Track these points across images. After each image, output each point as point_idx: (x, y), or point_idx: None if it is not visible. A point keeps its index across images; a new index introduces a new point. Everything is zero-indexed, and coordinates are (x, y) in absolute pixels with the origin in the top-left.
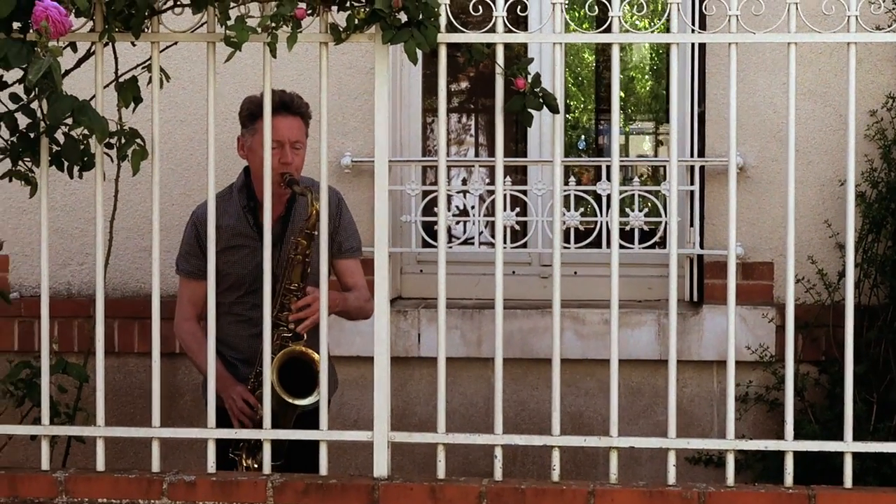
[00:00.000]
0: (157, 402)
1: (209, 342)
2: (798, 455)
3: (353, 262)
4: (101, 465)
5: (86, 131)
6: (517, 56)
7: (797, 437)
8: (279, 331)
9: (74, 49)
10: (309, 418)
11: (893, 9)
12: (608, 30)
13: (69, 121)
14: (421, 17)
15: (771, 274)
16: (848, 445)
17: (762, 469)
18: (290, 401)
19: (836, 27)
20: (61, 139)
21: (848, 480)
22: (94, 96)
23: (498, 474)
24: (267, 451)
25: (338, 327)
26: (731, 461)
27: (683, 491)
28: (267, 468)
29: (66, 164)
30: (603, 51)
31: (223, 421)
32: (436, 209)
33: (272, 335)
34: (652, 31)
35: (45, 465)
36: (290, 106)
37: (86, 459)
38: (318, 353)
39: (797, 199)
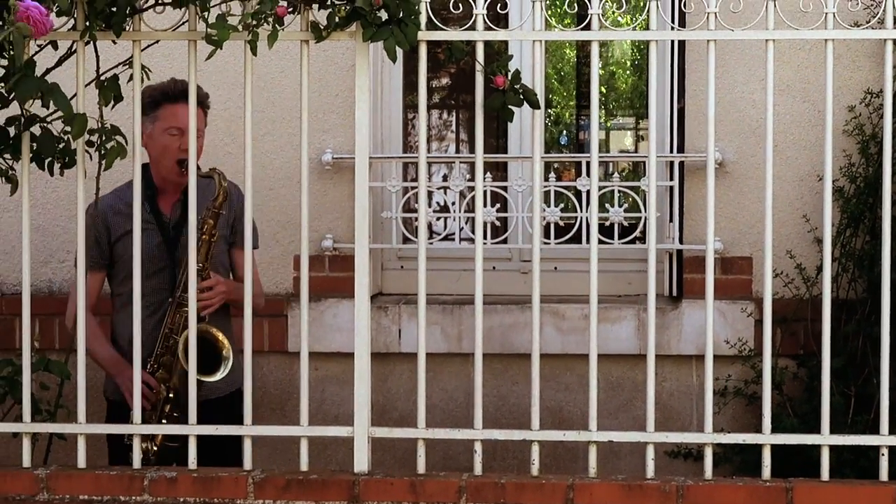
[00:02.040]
0: (138, 399)
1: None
2: (776, 448)
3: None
4: (82, 461)
5: (66, 127)
6: (498, 52)
7: (775, 430)
8: (182, 310)
9: (55, 47)
10: (213, 407)
11: (871, 5)
12: (588, 26)
13: (48, 117)
14: (401, 14)
15: (750, 268)
16: (825, 438)
17: (740, 462)
18: (198, 377)
19: (813, 24)
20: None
21: (825, 473)
22: (75, 95)
23: (478, 469)
24: (248, 447)
25: (318, 323)
26: (709, 454)
27: (662, 484)
28: (248, 464)
29: (46, 161)
30: (584, 46)
31: (119, 411)
32: (416, 205)
33: (174, 314)
34: (632, 28)
35: (26, 462)
36: None
37: (67, 456)
38: (222, 332)
39: (776, 194)
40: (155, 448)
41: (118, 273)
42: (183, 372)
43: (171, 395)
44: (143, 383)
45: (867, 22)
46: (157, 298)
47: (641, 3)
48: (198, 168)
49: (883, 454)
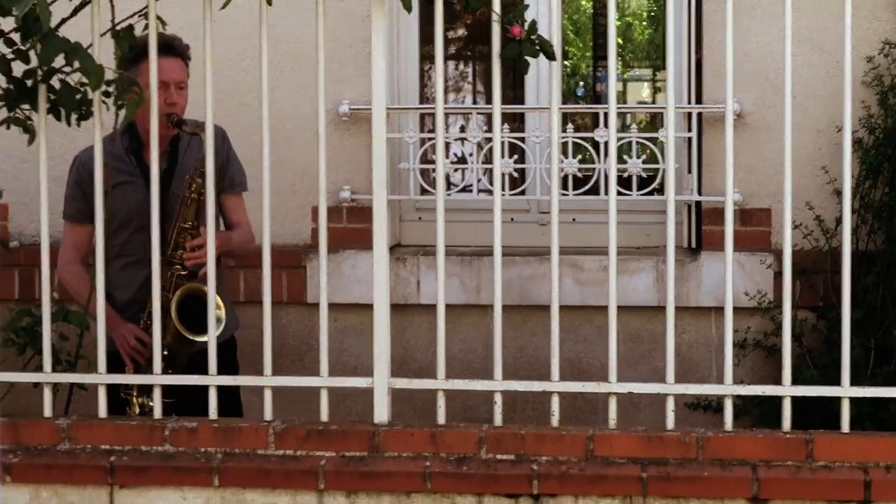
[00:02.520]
0: (157, 349)
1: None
2: (796, 400)
3: (239, 198)
4: (103, 412)
5: (83, 79)
6: (514, 2)
7: (795, 382)
8: (174, 269)
9: None
10: (203, 358)
11: None
12: None
13: (66, 68)
14: None
15: (769, 220)
16: (845, 390)
17: (760, 414)
18: (191, 337)
19: None
20: (58, 87)
21: (845, 425)
22: (91, 44)
23: (497, 420)
24: (268, 398)
25: (337, 274)
26: (729, 406)
27: (682, 435)
28: (268, 414)
29: (63, 112)
30: None
31: (112, 362)
32: (433, 157)
33: (165, 273)
34: None
35: (47, 412)
36: (172, 47)
37: (87, 407)
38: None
39: (794, 146)
40: (151, 403)
41: (108, 225)
42: (176, 329)
43: (164, 353)
44: (136, 339)
45: None
46: (148, 253)
47: None
48: (184, 123)
49: None
